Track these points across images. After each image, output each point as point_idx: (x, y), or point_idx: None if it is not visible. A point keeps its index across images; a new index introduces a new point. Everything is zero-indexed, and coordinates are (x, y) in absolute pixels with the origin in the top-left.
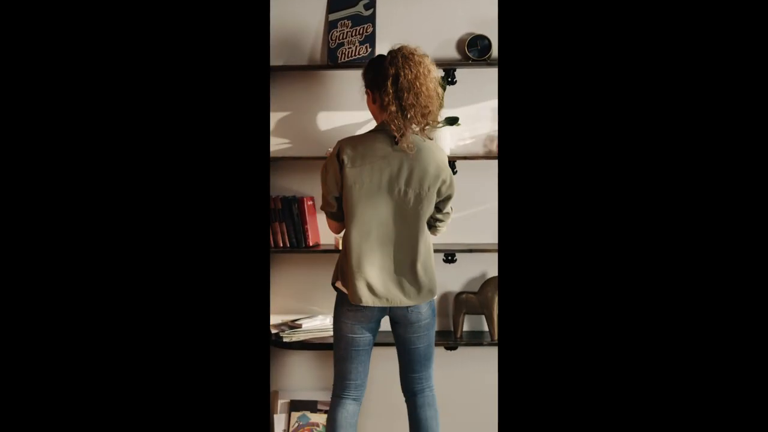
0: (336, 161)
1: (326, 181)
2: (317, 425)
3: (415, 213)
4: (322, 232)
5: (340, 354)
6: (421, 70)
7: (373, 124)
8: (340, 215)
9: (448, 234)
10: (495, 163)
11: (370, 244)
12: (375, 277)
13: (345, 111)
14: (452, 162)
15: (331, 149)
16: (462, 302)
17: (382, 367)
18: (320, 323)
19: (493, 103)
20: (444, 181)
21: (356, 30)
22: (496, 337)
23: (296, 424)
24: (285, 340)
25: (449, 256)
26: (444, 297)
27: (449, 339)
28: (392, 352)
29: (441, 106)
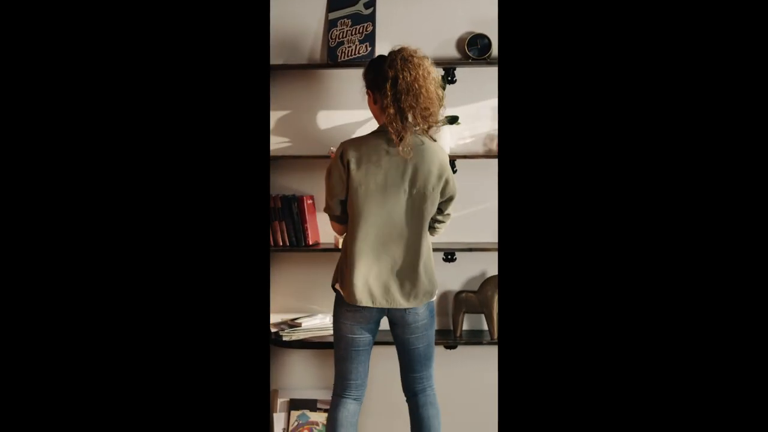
0: (340, 163)
1: (331, 185)
2: (317, 424)
3: (419, 213)
4: (322, 231)
5: (340, 354)
6: (420, 72)
7: (373, 123)
8: (344, 218)
9: (447, 233)
10: (495, 162)
11: (373, 245)
12: (375, 279)
13: (345, 110)
14: (452, 161)
15: (333, 148)
16: (462, 301)
17: (383, 367)
18: (320, 322)
19: (493, 102)
20: (447, 182)
21: (356, 29)
22: (495, 336)
23: (296, 423)
24: (285, 338)
25: (449, 255)
26: (444, 296)
27: (449, 338)
28: (392, 351)
29: (442, 106)
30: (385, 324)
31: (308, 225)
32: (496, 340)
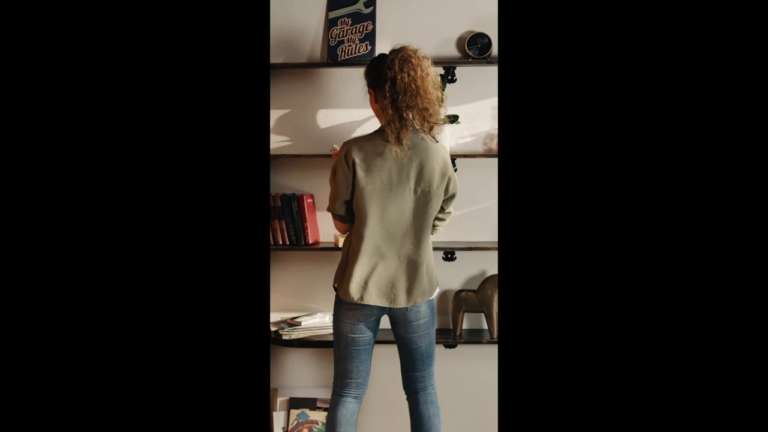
0: (345, 164)
1: (336, 185)
2: (316, 423)
3: (424, 212)
4: (322, 229)
5: (340, 353)
6: (418, 73)
7: (373, 122)
8: (348, 217)
9: (447, 232)
10: (495, 161)
11: (379, 244)
12: (379, 277)
13: (345, 109)
14: (452, 160)
15: (337, 146)
16: (461, 300)
17: (383, 365)
18: (319, 321)
19: (493, 101)
20: (450, 180)
21: (356, 28)
22: (495, 335)
23: (295, 422)
24: (284, 337)
25: (449, 254)
26: (443, 295)
27: (448, 337)
28: (392, 349)
29: (441, 107)
30: (384, 322)
31: (308, 224)
32: (496, 339)
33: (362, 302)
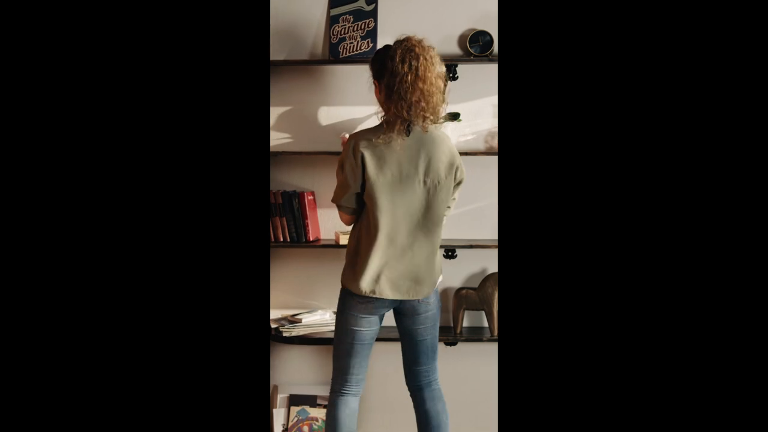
0: (353, 157)
1: (344, 178)
2: (316, 420)
3: (434, 203)
4: (323, 227)
5: (344, 349)
6: (421, 62)
7: (374, 118)
8: (356, 210)
9: (448, 229)
10: (496, 159)
11: (391, 237)
12: (393, 270)
13: (346, 106)
14: None
15: (347, 135)
16: (462, 298)
17: (383, 362)
18: (320, 318)
19: (495, 99)
20: (458, 168)
21: (358, 25)
22: (496, 333)
23: (295, 419)
24: (285, 334)
25: (449, 252)
26: (444, 293)
27: (449, 335)
28: (392, 346)
29: (443, 100)
30: (385, 319)
31: (309, 221)
32: (497, 337)
33: (375, 295)
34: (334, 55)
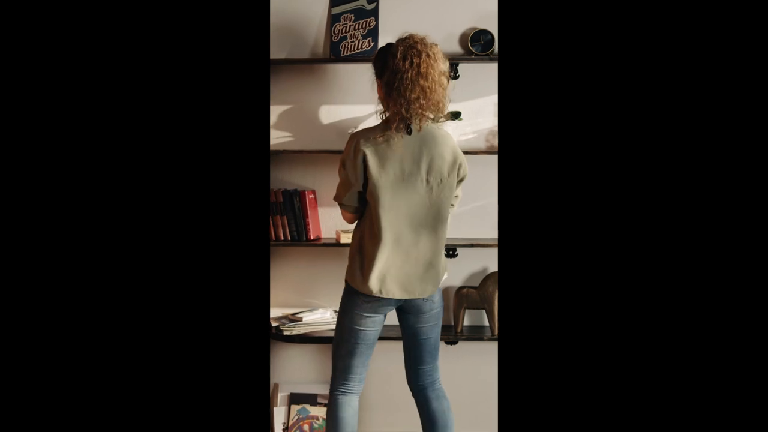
0: (355, 156)
1: (346, 177)
2: (317, 418)
3: (438, 201)
4: (324, 225)
5: (347, 349)
6: (423, 59)
7: (375, 118)
8: (358, 208)
9: (449, 228)
10: (497, 158)
11: (396, 236)
12: (399, 270)
13: (347, 105)
14: None
15: (354, 130)
16: (463, 297)
17: (383, 361)
18: (320, 317)
19: (496, 98)
20: (461, 165)
21: (359, 24)
22: (496, 332)
23: (296, 417)
24: (285, 333)
25: (450, 251)
26: (445, 291)
27: (450, 334)
28: (391, 345)
29: (445, 96)
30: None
31: (310, 219)
32: (497, 336)
33: (382, 295)
34: (335, 53)
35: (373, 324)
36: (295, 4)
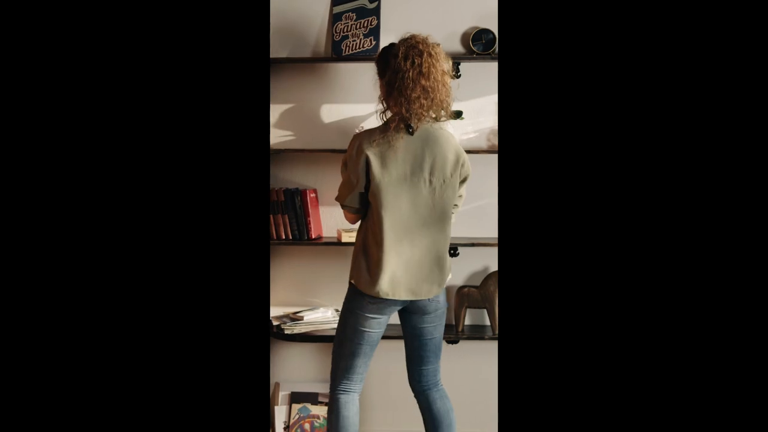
0: (357, 157)
1: (347, 178)
2: (318, 417)
3: (441, 201)
4: (325, 224)
5: (350, 349)
6: (425, 59)
7: (376, 117)
8: (360, 209)
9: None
10: None
11: (399, 237)
12: (404, 271)
13: (349, 104)
14: None
15: (363, 127)
16: (464, 296)
17: (384, 359)
18: (322, 315)
19: (497, 98)
20: (463, 165)
21: (361, 23)
22: (497, 332)
23: (297, 416)
24: (286, 332)
25: (452, 250)
26: (446, 291)
27: (451, 333)
28: (392, 344)
29: (448, 94)
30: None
31: (311, 219)
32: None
33: (389, 296)
34: (336, 52)
35: (377, 325)
36: (297, 4)
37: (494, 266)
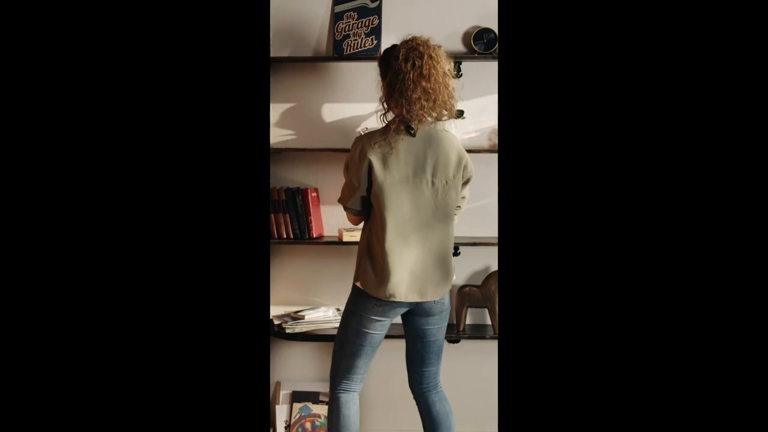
0: (360, 161)
1: (349, 181)
2: (319, 416)
3: (444, 203)
4: (326, 223)
5: (352, 350)
6: (426, 60)
7: (377, 117)
8: (362, 212)
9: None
10: None
11: (403, 239)
12: (410, 273)
13: (350, 103)
14: None
15: (365, 128)
16: (465, 295)
17: (385, 358)
18: (323, 315)
19: None
20: (465, 166)
21: (362, 22)
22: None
23: (298, 415)
24: (288, 331)
25: (453, 249)
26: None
27: (452, 332)
28: (394, 343)
29: (451, 95)
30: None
31: (312, 218)
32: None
33: (396, 299)
34: (338, 51)
35: (381, 327)
36: (298, 3)
37: (496, 266)
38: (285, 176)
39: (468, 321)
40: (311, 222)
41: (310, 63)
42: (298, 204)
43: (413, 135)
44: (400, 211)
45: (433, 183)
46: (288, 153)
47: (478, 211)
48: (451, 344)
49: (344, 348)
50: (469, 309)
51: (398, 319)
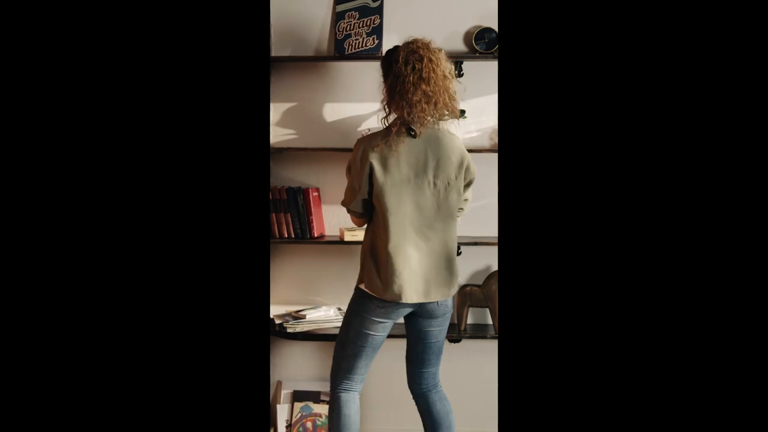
0: (362, 164)
1: (351, 183)
2: (320, 416)
3: (446, 204)
4: (327, 223)
5: (353, 351)
6: (425, 63)
7: (379, 115)
8: (365, 214)
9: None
10: None
11: (406, 240)
12: (413, 274)
13: (351, 102)
14: None
15: (368, 130)
16: (466, 295)
17: (386, 358)
18: (324, 314)
19: None
20: (467, 168)
21: (363, 21)
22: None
23: (299, 415)
24: (289, 330)
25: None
26: None
27: (453, 332)
28: (395, 342)
29: (452, 98)
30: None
31: (313, 217)
32: None
33: (401, 300)
34: (339, 51)
35: (383, 329)
36: (300, 3)
37: (497, 265)
38: (286, 176)
39: (469, 321)
40: (312, 221)
41: (311, 63)
42: (300, 203)
43: (414, 137)
44: (402, 212)
45: (434, 184)
46: (289, 152)
47: (480, 210)
48: (453, 344)
49: (345, 348)
50: (470, 308)
51: (400, 319)
